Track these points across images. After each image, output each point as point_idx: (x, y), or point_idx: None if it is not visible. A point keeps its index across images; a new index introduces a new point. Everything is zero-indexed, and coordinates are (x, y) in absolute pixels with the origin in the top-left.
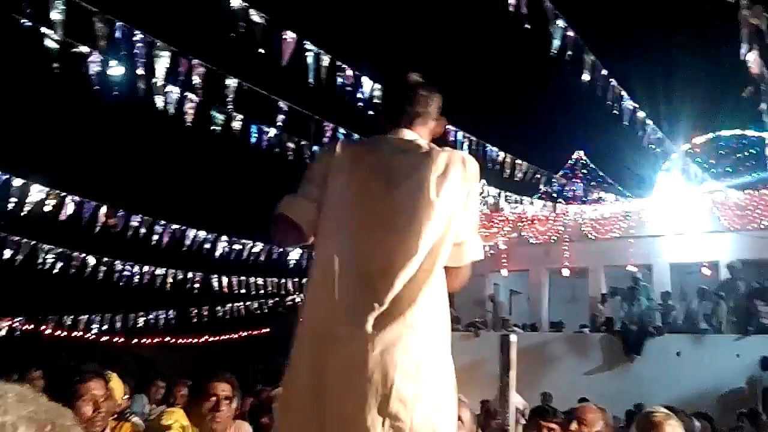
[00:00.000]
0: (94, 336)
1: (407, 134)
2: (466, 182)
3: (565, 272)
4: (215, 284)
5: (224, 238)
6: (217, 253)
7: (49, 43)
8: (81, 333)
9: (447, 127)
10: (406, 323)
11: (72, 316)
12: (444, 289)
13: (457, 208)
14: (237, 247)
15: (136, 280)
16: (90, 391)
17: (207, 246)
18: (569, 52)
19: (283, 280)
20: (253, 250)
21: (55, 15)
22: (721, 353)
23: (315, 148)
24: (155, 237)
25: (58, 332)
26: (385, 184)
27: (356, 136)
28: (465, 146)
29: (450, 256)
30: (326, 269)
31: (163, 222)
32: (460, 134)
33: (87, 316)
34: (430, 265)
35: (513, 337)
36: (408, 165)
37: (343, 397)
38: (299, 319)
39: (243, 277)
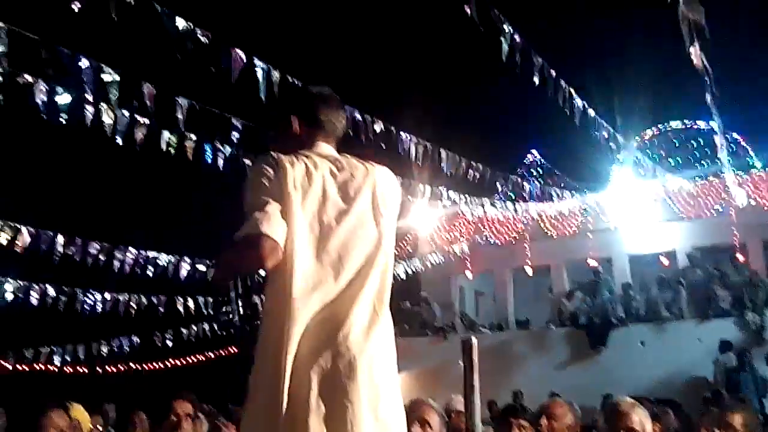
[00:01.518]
0: (56, 368)
1: (329, 149)
2: (396, 199)
3: (529, 270)
4: (180, 307)
5: (187, 260)
6: (182, 275)
7: None
8: (43, 366)
9: (401, 132)
10: (383, 328)
11: (32, 350)
12: None
13: (394, 225)
14: (201, 267)
15: (99, 309)
16: (52, 423)
17: (170, 269)
18: (518, 56)
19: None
20: None
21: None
22: (684, 339)
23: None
24: (116, 264)
25: (19, 367)
26: (342, 201)
27: None
28: (420, 151)
29: None
30: (303, 286)
31: (122, 248)
32: (413, 139)
33: (48, 348)
34: (389, 277)
35: (474, 340)
36: (355, 181)
37: (339, 403)
38: (265, 336)
39: (210, 298)
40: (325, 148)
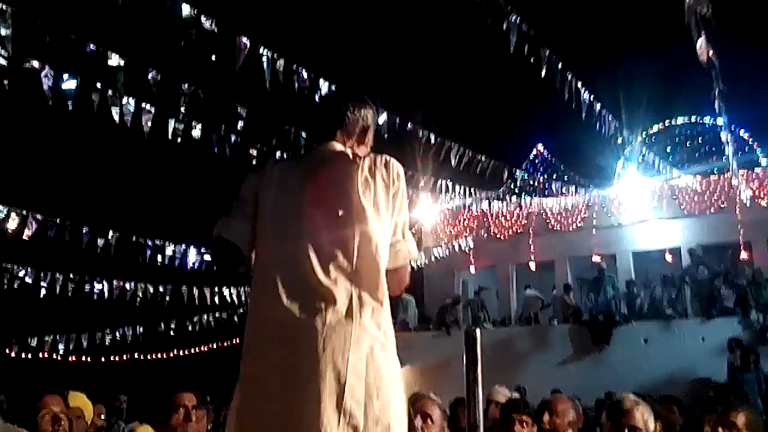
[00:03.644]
0: (60, 356)
1: (336, 146)
2: (391, 183)
3: (532, 266)
4: (186, 297)
5: (193, 251)
6: (188, 266)
7: None
8: (47, 354)
9: (410, 125)
10: (355, 323)
11: (36, 338)
12: (386, 291)
13: (386, 210)
14: (208, 258)
15: (106, 297)
16: (47, 407)
17: (178, 258)
18: (525, 48)
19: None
20: None
21: (4, 31)
22: (687, 338)
23: (278, 153)
24: (123, 252)
25: (23, 354)
26: (314, 193)
27: None
28: (425, 143)
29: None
30: (268, 278)
31: (129, 236)
32: (419, 131)
33: (52, 336)
34: (372, 266)
35: (477, 332)
36: (333, 172)
37: (299, 396)
38: (248, 330)
39: (216, 288)
40: (331, 144)
